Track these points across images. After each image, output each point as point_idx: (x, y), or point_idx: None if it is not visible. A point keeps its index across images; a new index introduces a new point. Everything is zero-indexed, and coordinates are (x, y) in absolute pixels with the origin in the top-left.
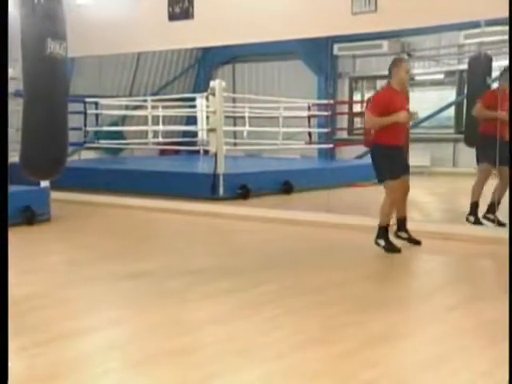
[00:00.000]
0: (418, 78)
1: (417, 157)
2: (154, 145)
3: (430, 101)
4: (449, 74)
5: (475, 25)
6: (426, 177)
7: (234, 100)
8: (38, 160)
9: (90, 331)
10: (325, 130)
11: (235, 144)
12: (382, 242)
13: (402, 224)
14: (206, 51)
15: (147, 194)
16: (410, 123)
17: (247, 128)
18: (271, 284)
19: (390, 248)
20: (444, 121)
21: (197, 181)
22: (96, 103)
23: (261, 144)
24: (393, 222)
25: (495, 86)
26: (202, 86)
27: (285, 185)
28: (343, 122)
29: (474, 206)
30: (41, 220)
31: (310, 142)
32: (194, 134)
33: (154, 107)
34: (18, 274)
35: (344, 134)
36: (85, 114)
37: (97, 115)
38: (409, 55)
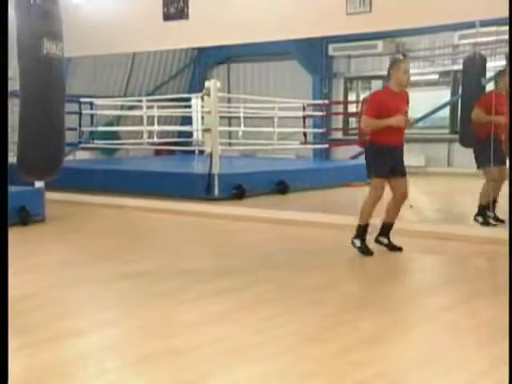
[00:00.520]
0: (412, 78)
1: (411, 157)
2: (149, 145)
3: (425, 101)
4: (443, 74)
5: (470, 25)
6: (421, 177)
7: (229, 100)
8: (35, 160)
9: (84, 332)
10: (320, 130)
11: (230, 144)
12: (357, 243)
13: (386, 229)
14: (201, 51)
15: (142, 194)
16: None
17: (242, 128)
18: (266, 284)
19: (364, 250)
20: (439, 121)
21: (192, 181)
22: (91, 103)
23: (256, 144)
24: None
25: (489, 86)
26: (197, 86)
27: (280, 185)
28: (338, 122)
29: (484, 208)
30: (35, 220)
31: (305, 142)
32: (189, 134)
33: (149, 107)
34: (12, 275)
35: (339, 135)
36: (80, 114)
37: (92, 115)
38: (404, 55)
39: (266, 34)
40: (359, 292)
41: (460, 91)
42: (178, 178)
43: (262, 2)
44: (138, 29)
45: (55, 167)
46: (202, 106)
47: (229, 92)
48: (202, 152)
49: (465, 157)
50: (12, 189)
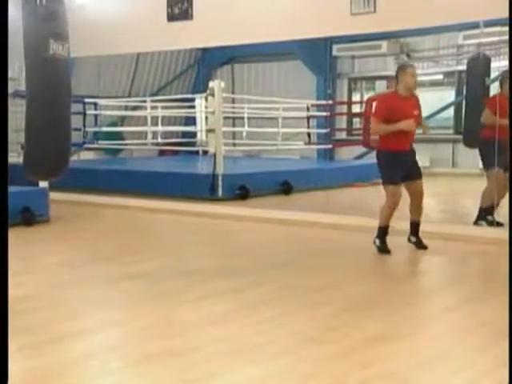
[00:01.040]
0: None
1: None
2: (153, 145)
3: (429, 101)
4: (448, 74)
5: (474, 25)
6: (426, 177)
7: (233, 100)
8: (42, 160)
9: (87, 332)
10: (324, 131)
11: (234, 144)
12: (377, 242)
13: (413, 228)
14: (205, 52)
15: (146, 194)
16: None
17: (246, 128)
18: (269, 284)
19: (381, 249)
20: (443, 121)
21: (196, 181)
22: (95, 104)
23: (260, 144)
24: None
25: (494, 86)
26: (201, 86)
27: (284, 185)
28: (342, 122)
29: (489, 210)
30: (40, 221)
31: (309, 143)
32: (193, 135)
33: (153, 108)
34: (16, 275)
35: (343, 135)
36: (84, 114)
37: (96, 116)
38: (408, 56)
39: (271, 35)
40: (362, 293)
41: (464, 91)
42: (181, 179)
43: (266, 2)
44: (143, 29)
45: (61, 167)
46: (206, 107)
47: (233, 92)
48: (205, 152)
49: (469, 157)
50: (16, 189)
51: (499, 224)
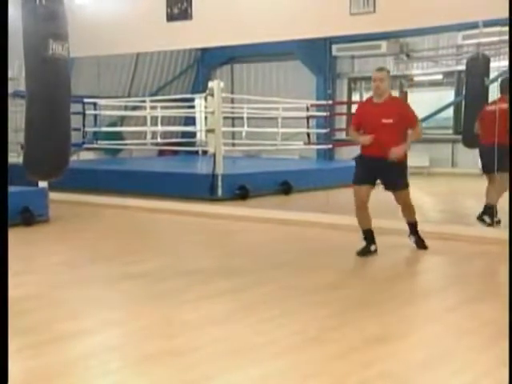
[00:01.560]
0: (416, 78)
1: (416, 157)
2: (152, 145)
3: (429, 101)
4: (447, 74)
5: (473, 26)
6: (425, 177)
7: (232, 100)
8: (41, 160)
9: (87, 332)
10: (323, 131)
11: (234, 144)
12: (363, 243)
13: (410, 228)
14: (205, 52)
15: (146, 194)
16: None
17: (246, 128)
18: (269, 284)
19: (362, 251)
20: (443, 121)
21: (195, 181)
22: (95, 104)
23: (259, 144)
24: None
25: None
26: (200, 86)
27: (283, 185)
28: (342, 122)
29: (492, 209)
30: (39, 221)
31: (309, 143)
32: (193, 135)
33: (152, 108)
34: (16, 275)
35: (343, 135)
36: (83, 114)
37: (95, 116)
38: (407, 56)
39: (270, 35)
40: (362, 292)
41: (464, 91)
42: (181, 179)
43: (265, 2)
44: (142, 29)
45: (61, 167)
46: (206, 107)
47: (232, 92)
48: (205, 152)
49: (468, 157)
50: (16, 189)
51: (498, 222)
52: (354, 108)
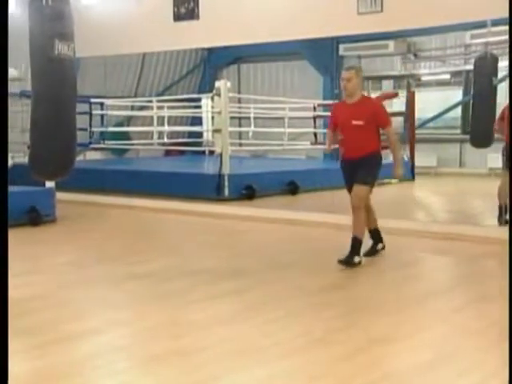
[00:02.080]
0: (424, 78)
1: (423, 157)
2: (159, 145)
3: (437, 101)
4: (455, 74)
5: (482, 25)
6: (433, 177)
7: (239, 100)
8: (47, 160)
9: (93, 332)
10: None
11: (240, 144)
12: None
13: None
14: (212, 52)
15: (152, 194)
16: (416, 124)
17: (252, 128)
18: (274, 285)
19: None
20: (450, 121)
21: (202, 181)
22: (101, 104)
23: (266, 144)
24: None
25: (501, 86)
26: (207, 86)
27: (290, 185)
28: None
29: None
30: (46, 221)
31: (316, 143)
32: (200, 135)
33: (159, 108)
34: (22, 275)
35: None
36: (90, 114)
37: (102, 116)
38: (415, 55)
39: (277, 34)
40: (369, 293)
41: (472, 91)
42: (188, 179)
43: (272, 2)
44: (149, 29)
45: (67, 168)
46: (212, 107)
47: (239, 92)
48: (212, 152)
49: (476, 157)
50: (22, 189)
51: (507, 222)
52: None
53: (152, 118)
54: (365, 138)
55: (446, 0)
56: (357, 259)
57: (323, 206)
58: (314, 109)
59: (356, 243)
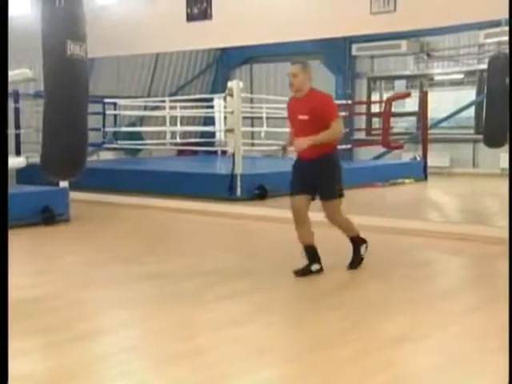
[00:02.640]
0: (437, 78)
1: (436, 157)
2: (171, 145)
3: (450, 101)
4: (469, 73)
5: (495, 24)
6: (446, 177)
7: (251, 100)
8: (58, 160)
9: (106, 332)
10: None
11: (253, 144)
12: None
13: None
14: (224, 52)
15: (165, 194)
16: (429, 124)
17: (265, 128)
18: (287, 285)
19: (301, 271)
20: (464, 121)
21: (214, 181)
22: (114, 104)
23: (278, 144)
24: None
25: None
26: (219, 86)
27: None
28: (361, 122)
29: None
30: (60, 220)
31: None
32: (212, 135)
33: (172, 108)
34: (36, 275)
35: (362, 135)
36: (103, 114)
37: (115, 116)
38: (428, 55)
39: (290, 34)
40: (378, 294)
41: (485, 91)
42: (200, 179)
43: (285, 2)
44: (162, 29)
45: (78, 168)
46: (225, 107)
47: (251, 92)
48: (224, 152)
49: (490, 157)
50: (36, 189)
51: None
52: (373, 108)
53: (165, 117)
54: (312, 134)
55: None
56: (362, 250)
57: None
58: None
59: (356, 243)
